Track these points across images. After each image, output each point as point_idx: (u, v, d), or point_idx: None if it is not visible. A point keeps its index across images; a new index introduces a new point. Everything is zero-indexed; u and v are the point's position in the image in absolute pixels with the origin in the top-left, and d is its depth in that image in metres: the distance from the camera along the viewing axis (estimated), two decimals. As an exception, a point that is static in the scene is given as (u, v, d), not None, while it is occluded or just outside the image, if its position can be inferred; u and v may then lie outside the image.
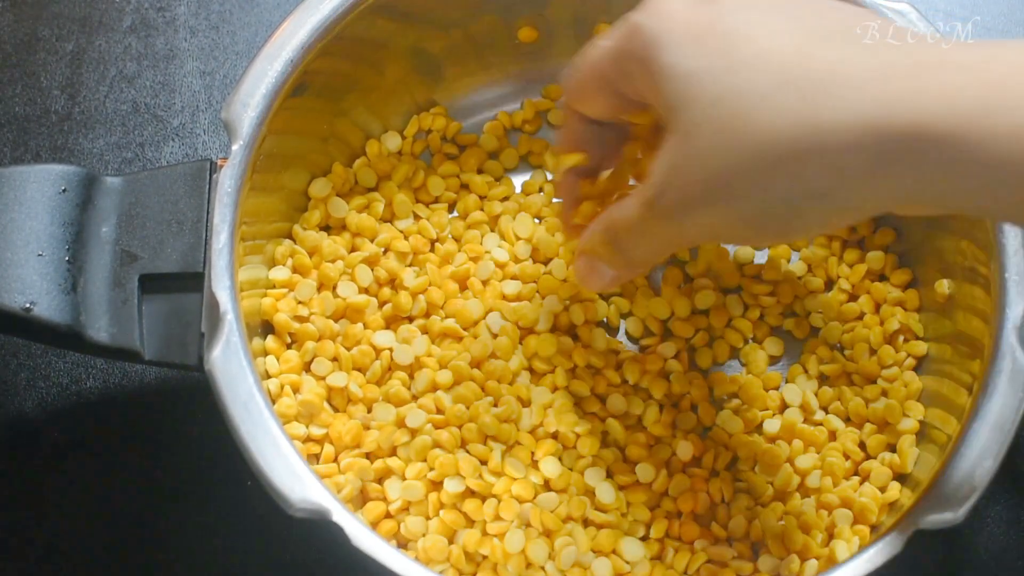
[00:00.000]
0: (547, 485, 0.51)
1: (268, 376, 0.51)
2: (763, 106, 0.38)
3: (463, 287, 0.55)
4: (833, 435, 0.53)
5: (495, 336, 0.53)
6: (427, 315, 0.54)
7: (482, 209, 0.57)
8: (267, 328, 0.53)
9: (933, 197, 0.38)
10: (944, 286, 0.52)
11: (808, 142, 0.38)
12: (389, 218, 0.56)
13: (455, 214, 0.57)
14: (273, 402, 0.50)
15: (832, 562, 0.49)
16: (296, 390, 0.51)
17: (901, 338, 0.54)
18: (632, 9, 0.42)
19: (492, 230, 0.57)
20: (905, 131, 0.37)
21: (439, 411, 0.52)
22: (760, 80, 0.38)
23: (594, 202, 0.49)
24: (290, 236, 0.55)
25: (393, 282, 0.54)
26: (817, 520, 0.51)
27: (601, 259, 0.47)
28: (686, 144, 0.40)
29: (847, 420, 0.53)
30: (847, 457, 0.52)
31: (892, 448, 0.52)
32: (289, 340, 0.53)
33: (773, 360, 0.55)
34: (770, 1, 0.40)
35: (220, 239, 0.48)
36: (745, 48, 0.39)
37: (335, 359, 0.53)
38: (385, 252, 0.55)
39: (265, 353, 0.52)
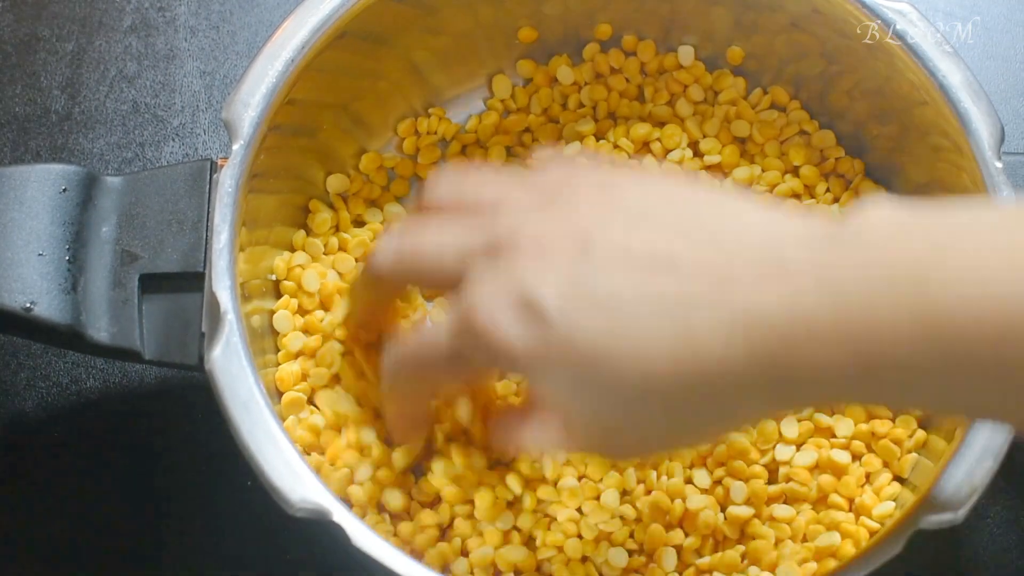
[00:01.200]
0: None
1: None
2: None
3: None
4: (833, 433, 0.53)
5: None
6: None
7: None
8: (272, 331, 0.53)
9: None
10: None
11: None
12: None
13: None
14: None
15: (833, 562, 0.49)
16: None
17: None
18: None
19: None
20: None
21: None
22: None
23: None
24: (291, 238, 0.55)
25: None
26: (823, 518, 0.51)
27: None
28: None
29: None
30: (855, 458, 0.52)
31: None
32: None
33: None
34: (591, 295, 0.38)
35: (221, 239, 0.48)
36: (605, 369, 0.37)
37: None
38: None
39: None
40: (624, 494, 0.52)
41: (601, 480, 0.52)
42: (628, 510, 0.51)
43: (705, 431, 0.40)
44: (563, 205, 0.39)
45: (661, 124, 0.58)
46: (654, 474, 0.51)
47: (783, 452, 0.52)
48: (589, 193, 0.40)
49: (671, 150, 0.57)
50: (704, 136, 0.58)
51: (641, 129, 0.57)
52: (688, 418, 0.38)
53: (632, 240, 0.37)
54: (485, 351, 0.39)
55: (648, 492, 0.51)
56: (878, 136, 0.56)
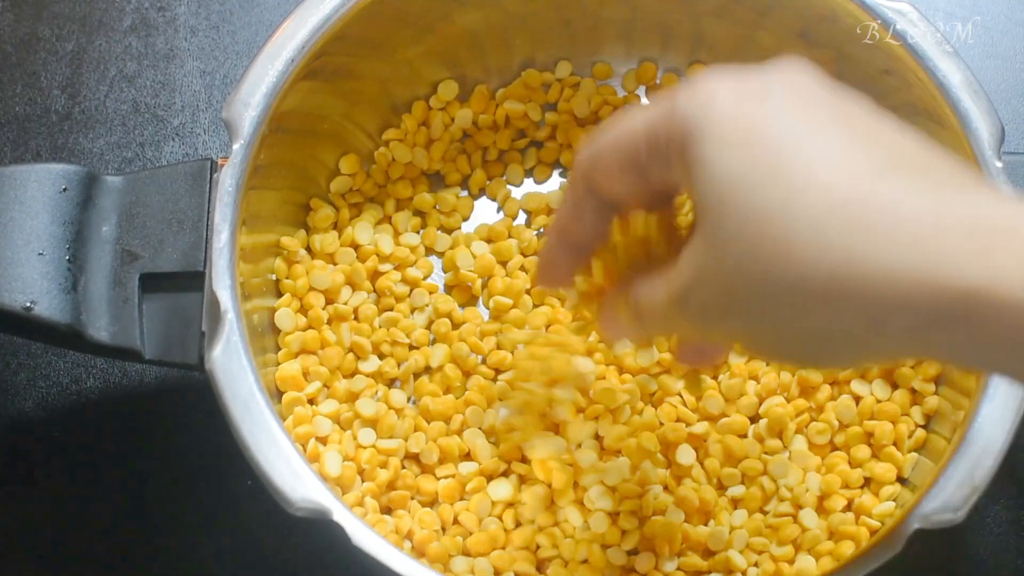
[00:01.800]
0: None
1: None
2: (805, 235, 0.34)
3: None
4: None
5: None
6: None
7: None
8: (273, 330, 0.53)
9: (980, 362, 0.36)
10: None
11: (851, 289, 0.33)
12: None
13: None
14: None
15: (833, 562, 0.49)
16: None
17: None
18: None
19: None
20: (963, 296, 0.32)
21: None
22: (806, 204, 0.34)
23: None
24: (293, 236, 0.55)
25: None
26: (822, 520, 0.51)
27: (622, 324, 0.43)
28: (715, 252, 0.36)
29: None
30: (852, 465, 0.52)
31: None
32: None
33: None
34: (829, 111, 0.35)
35: (221, 238, 0.48)
36: (794, 163, 0.34)
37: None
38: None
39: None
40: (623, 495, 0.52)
41: (601, 481, 0.52)
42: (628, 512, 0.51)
43: (838, 334, 0.35)
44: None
45: None
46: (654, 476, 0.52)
47: (784, 452, 0.52)
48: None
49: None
50: None
51: None
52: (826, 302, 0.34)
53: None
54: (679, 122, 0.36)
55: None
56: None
